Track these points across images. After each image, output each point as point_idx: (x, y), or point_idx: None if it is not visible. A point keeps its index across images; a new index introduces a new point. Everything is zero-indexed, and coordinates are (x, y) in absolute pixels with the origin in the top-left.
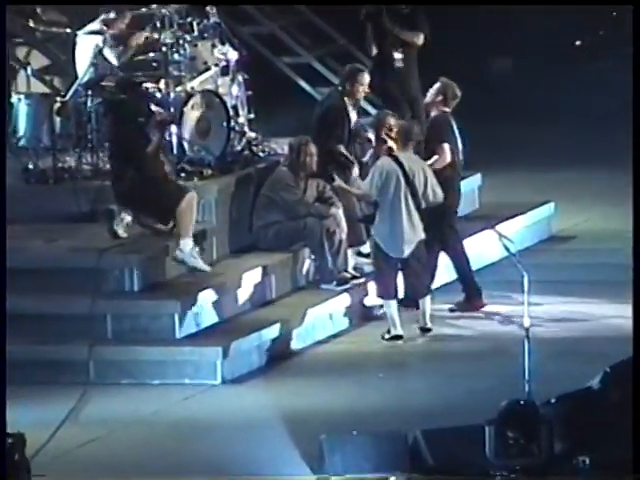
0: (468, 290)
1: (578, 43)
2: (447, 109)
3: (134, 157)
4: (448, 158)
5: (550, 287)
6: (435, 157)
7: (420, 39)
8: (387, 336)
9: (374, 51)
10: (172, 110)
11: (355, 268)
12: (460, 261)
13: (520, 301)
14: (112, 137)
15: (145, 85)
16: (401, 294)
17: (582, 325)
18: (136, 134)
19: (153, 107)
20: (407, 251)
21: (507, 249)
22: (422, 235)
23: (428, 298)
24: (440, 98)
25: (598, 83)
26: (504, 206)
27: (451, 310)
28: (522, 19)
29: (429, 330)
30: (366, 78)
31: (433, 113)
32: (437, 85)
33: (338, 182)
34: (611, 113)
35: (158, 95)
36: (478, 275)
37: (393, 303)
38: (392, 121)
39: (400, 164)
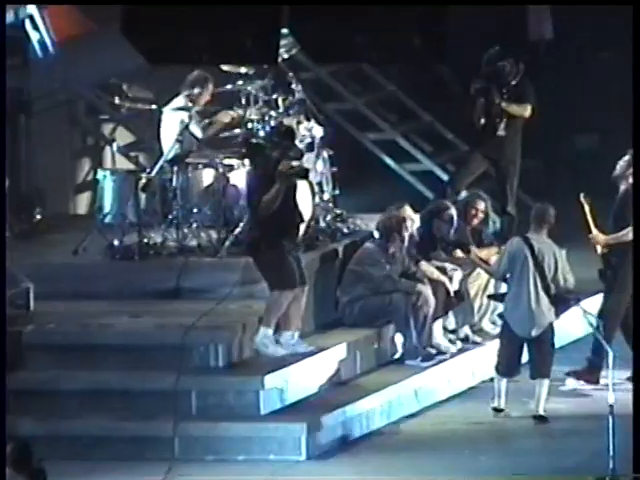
0: (597, 361)
1: None
2: None
3: (253, 205)
4: None
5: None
6: (629, 229)
7: (527, 112)
8: (492, 404)
9: (482, 122)
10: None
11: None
12: (611, 333)
13: (605, 377)
14: (248, 181)
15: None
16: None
17: None
18: (262, 178)
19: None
20: (534, 333)
21: (591, 325)
22: (552, 318)
23: (546, 383)
24: (630, 171)
25: None
26: (589, 282)
27: (567, 374)
28: (604, 94)
29: (542, 418)
30: (481, 204)
31: (623, 186)
32: (627, 157)
33: (474, 252)
34: None
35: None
36: (563, 351)
37: (505, 379)
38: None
39: (530, 245)
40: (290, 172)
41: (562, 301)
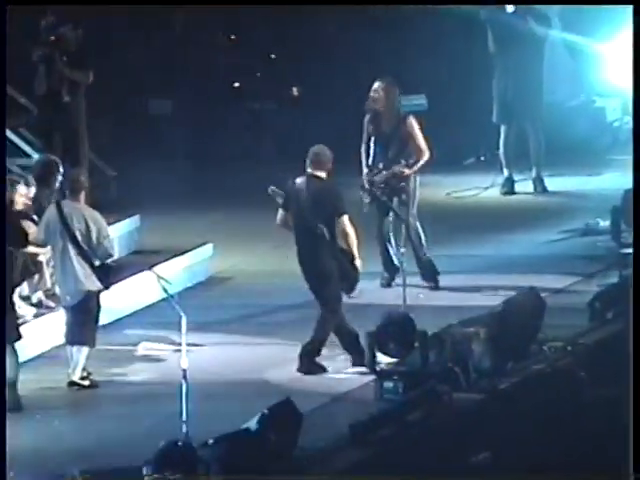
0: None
1: (237, 85)
2: None
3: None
4: None
5: (210, 328)
6: None
7: (89, 77)
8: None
9: (43, 89)
10: None
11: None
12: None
13: (179, 342)
14: None
15: None
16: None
17: (240, 366)
18: None
19: None
20: (70, 302)
21: (165, 290)
22: (92, 287)
23: (85, 350)
24: None
25: (256, 124)
26: (163, 248)
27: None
28: (182, 61)
29: (75, 384)
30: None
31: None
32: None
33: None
34: (264, 154)
35: None
36: (136, 316)
37: (76, 348)
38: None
39: (61, 211)
40: None
41: (106, 270)
